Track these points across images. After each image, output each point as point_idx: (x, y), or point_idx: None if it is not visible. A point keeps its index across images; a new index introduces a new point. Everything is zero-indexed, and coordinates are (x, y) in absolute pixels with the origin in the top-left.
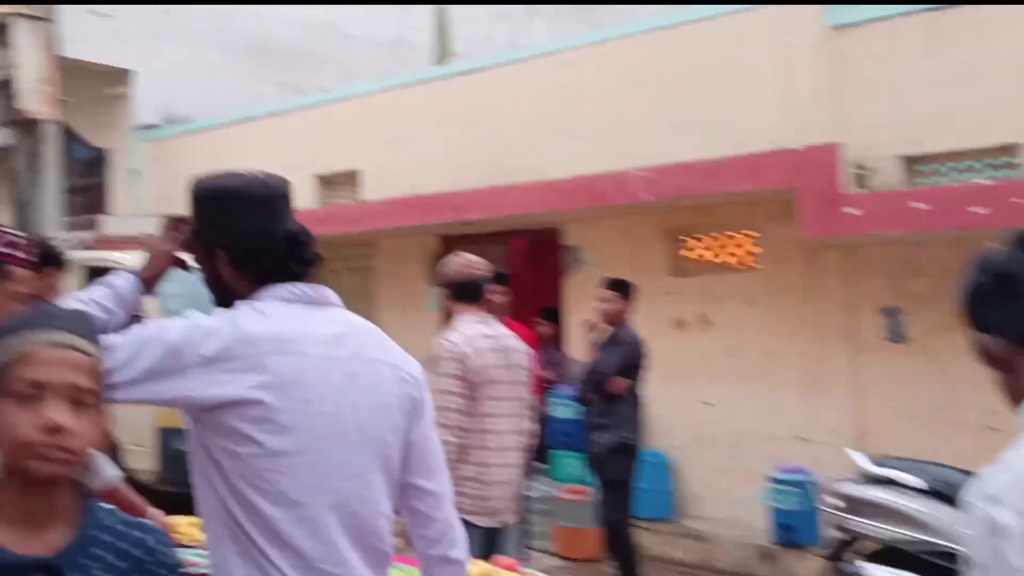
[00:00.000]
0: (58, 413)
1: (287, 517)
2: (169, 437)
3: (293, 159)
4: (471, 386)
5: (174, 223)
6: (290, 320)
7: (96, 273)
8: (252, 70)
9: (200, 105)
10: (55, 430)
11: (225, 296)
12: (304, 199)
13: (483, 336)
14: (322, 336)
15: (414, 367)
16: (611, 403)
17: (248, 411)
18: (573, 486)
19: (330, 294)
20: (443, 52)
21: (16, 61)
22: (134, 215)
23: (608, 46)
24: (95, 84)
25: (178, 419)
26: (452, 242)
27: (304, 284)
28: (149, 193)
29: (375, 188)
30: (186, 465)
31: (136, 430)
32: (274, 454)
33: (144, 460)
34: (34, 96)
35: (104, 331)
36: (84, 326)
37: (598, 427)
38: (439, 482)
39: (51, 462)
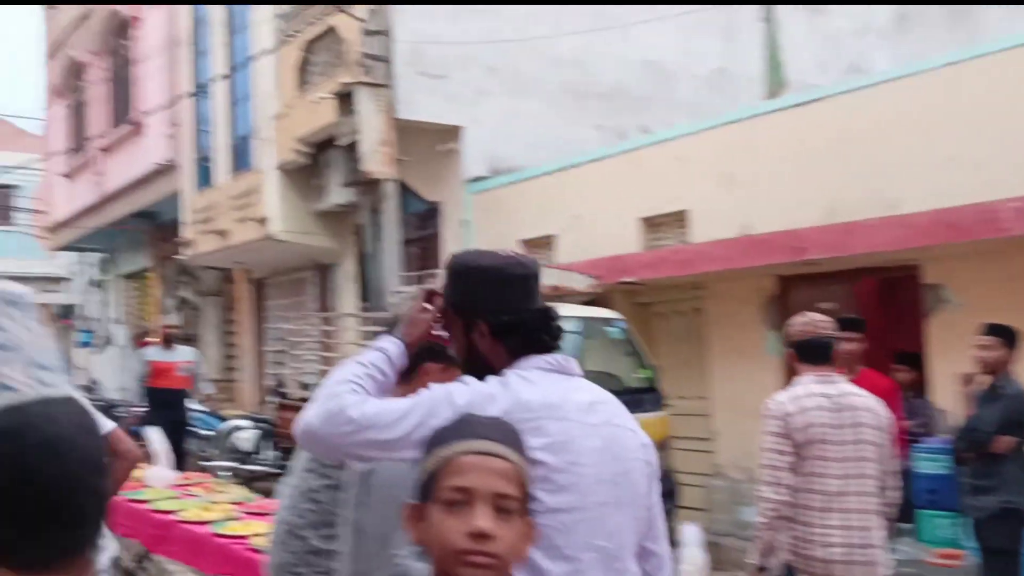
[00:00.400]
0: (484, 519)
1: (560, 571)
2: None
3: (617, 202)
4: (795, 445)
5: (428, 295)
6: (553, 388)
7: None
8: (574, 115)
9: (525, 154)
10: (481, 536)
11: (478, 366)
12: (629, 243)
13: (817, 395)
14: (580, 403)
15: (645, 435)
16: (992, 463)
17: (531, 471)
18: (944, 550)
19: (576, 365)
20: (776, 83)
21: (359, 126)
22: None
23: (961, 67)
24: (428, 142)
25: None
26: (790, 283)
27: (558, 355)
28: (478, 242)
29: (704, 228)
30: None
31: None
32: (551, 511)
33: None
34: (375, 157)
35: (382, 394)
36: (507, 434)
37: (978, 489)
38: (663, 545)
39: (477, 568)
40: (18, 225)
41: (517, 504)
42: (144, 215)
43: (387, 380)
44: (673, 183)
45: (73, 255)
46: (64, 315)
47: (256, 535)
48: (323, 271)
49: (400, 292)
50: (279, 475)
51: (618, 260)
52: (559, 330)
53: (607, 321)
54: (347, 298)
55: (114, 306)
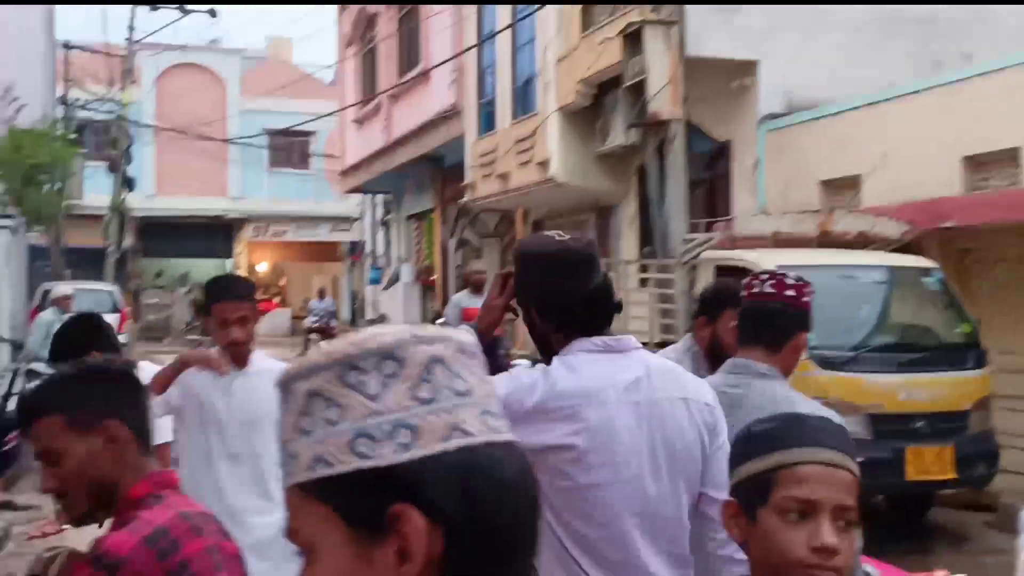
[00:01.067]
0: (830, 535)
1: (597, 535)
2: None
3: (934, 140)
4: None
5: (503, 278)
6: (595, 372)
7: (724, 272)
8: (880, 45)
9: (824, 90)
10: (828, 551)
11: (547, 348)
12: (947, 184)
13: None
14: (621, 383)
15: (706, 395)
16: None
17: (564, 454)
18: None
19: (630, 341)
20: None
21: (646, 66)
22: (761, 214)
23: None
24: (718, 78)
25: None
26: None
27: (606, 336)
28: (770, 183)
29: None
30: None
31: None
32: (586, 487)
33: None
34: (662, 97)
35: None
36: (848, 443)
37: None
38: (726, 493)
39: None
40: (313, 170)
41: (855, 515)
42: (429, 159)
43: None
44: (1003, 118)
45: (361, 197)
46: (353, 251)
47: None
48: (603, 213)
49: (689, 240)
50: None
51: (934, 204)
52: (610, 311)
53: (921, 271)
54: (628, 241)
55: (399, 245)
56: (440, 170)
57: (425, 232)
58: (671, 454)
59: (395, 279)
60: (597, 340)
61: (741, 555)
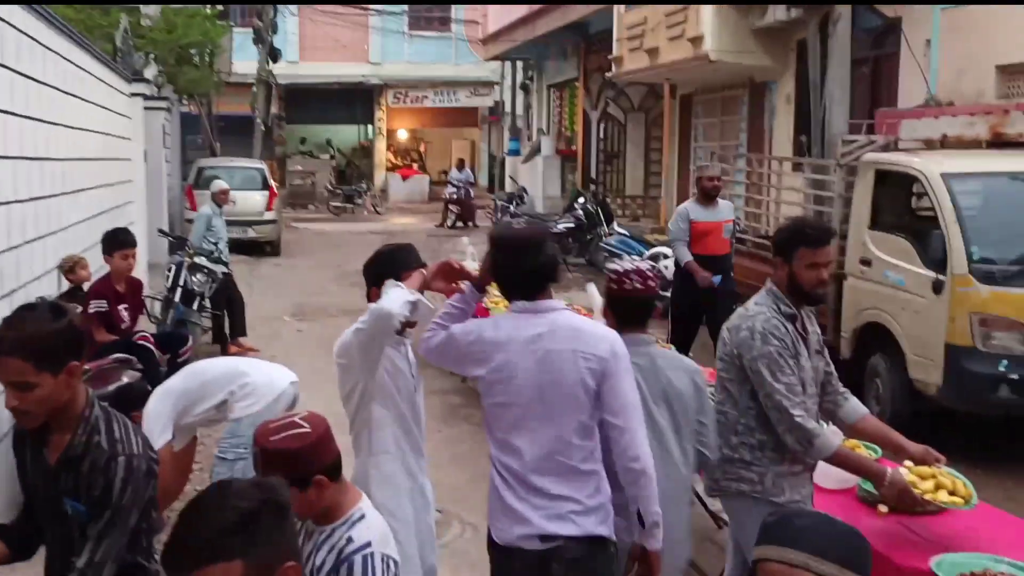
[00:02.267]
0: None
1: (500, 444)
2: (959, 355)
3: None
4: None
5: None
6: (510, 327)
7: (886, 177)
8: None
9: None
10: None
11: (503, 291)
12: None
13: None
14: (525, 338)
15: (600, 347)
16: None
17: (483, 383)
18: None
19: (547, 304)
20: None
21: None
22: (930, 102)
23: None
24: None
25: (970, 338)
26: None
27: (532, 301)
28: (942, 65)
29: None
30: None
31: (925, 344)
32: (492, 407)
33: (929, 373)
34: None
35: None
36: (841, 548)
37: None
38: (622, 418)
39: None
40: (455, 33)
41: None
42: (573, 28)
43: (466, 313)
44: None
45: (501, 63)
46: (492, 114)
47: None
48: (757, 90)
49: (849, 142)
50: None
51: None
52: (543, 284)
53: None
54: (782, 121)
55: (539, 115)
56: (584, 39)
57: (567, 102)
58: (557, 390)
59: (535, 151)
60: (521, 304)
61: (633, 464)
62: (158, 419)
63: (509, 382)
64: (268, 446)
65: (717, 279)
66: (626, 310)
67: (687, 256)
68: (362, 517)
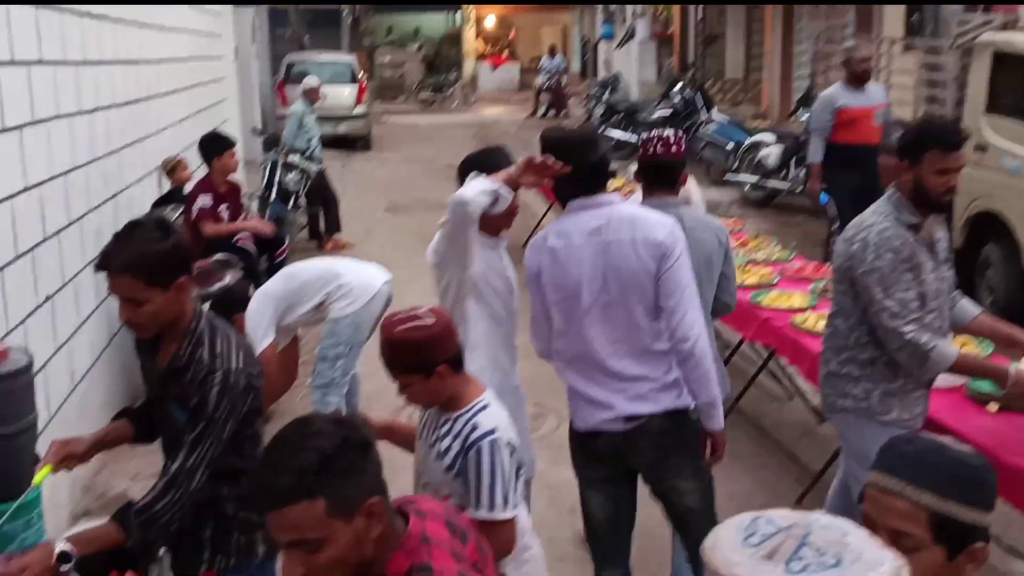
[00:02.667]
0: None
1: (566, 333)
2: None
3: None
4: None
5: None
6: (571, 221)
7: (1004, 60)
8: None
9: None
10: None
11: (559, 198)
12: None
13: None
14: (586, 229)
15: (659, 232)
16: None
17: (542, 276)
18: None
19: (605, 198)
20: None
21: None
22: None
23: None
24: None
25: None
26: None
27: (586, 196)
28: None
29: None
30: None
31: None
32: (566, 299)
33: None
34: None
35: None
36: (941, 478)
37: None
38: (673, 300)
39: None
40: None
41: (913, 544)
42: None
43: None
44: None
45: None
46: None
47: (795, 309)
48: None
49: (967, 21)
50: (801, 194)
51: None
52: (599, 182)
53: None
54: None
55: None
56: None
57: None
58: (619, 278)
59: (630, 35)
60: (578, 201)
61: (686, 346)
62: (260, 322)
63: (576, 275)
64: (393, 336)
65: (825, 199)
66: (653, 174)
67: (816, 155)
68: (486, 406)
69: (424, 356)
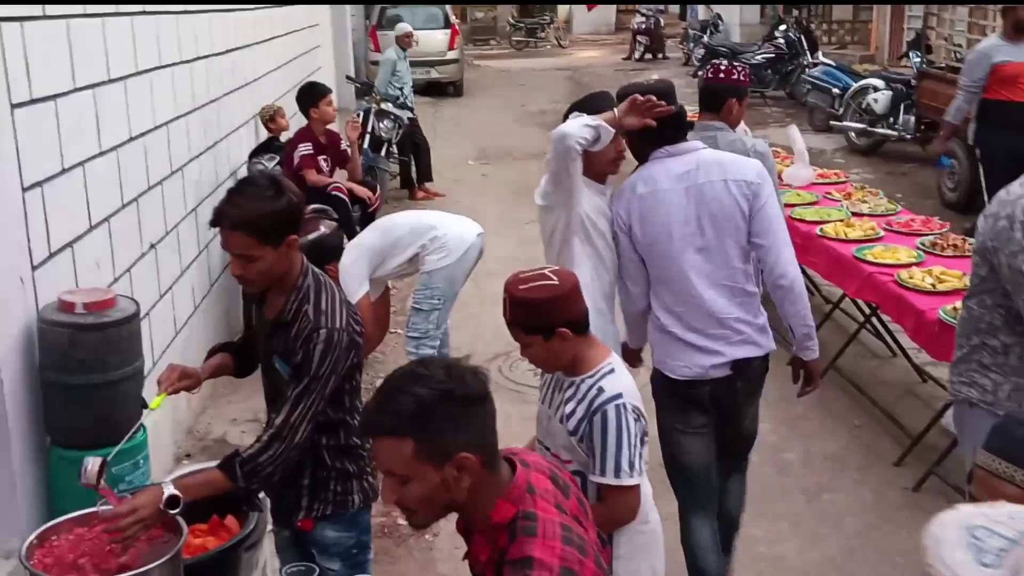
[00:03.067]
0: None
1: (665, 275)
2: None
3: None
4: None
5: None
6: (659, 168)
7: None
8: None
9: None
10: None
11: (642, 156)
12: None
13: None
14: (675, 174)
15: (748, 173)
16: None
17: (634, 221)
18: None
19: (690, 145)
20: None
21: None
22: None
23: None
24: None
25: None
26: None
27: (670, 145)
28: None
29: None
30: None
31: None
32: (647, 244)
33: None
34: None
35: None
36: None
37: None
38: (768, 238)
39: None
40: None
41: None
42: None
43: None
44: None
45: None
46: None
47: (901, 264)
48: None
49: None
50: (911, 142)
51: None
52: (679, 131)
53: None
54: None
55: None
56: None
57: None
58: (713, 219)
59: None
60: (664, 149)
61: (783, 281)
62: (354, 274)
63: (668, 219)
64: (516, 294)
65: (946, 163)
66: (702, 98)
67: (958, 115)
68: (612, 371)
69: (547, 316)
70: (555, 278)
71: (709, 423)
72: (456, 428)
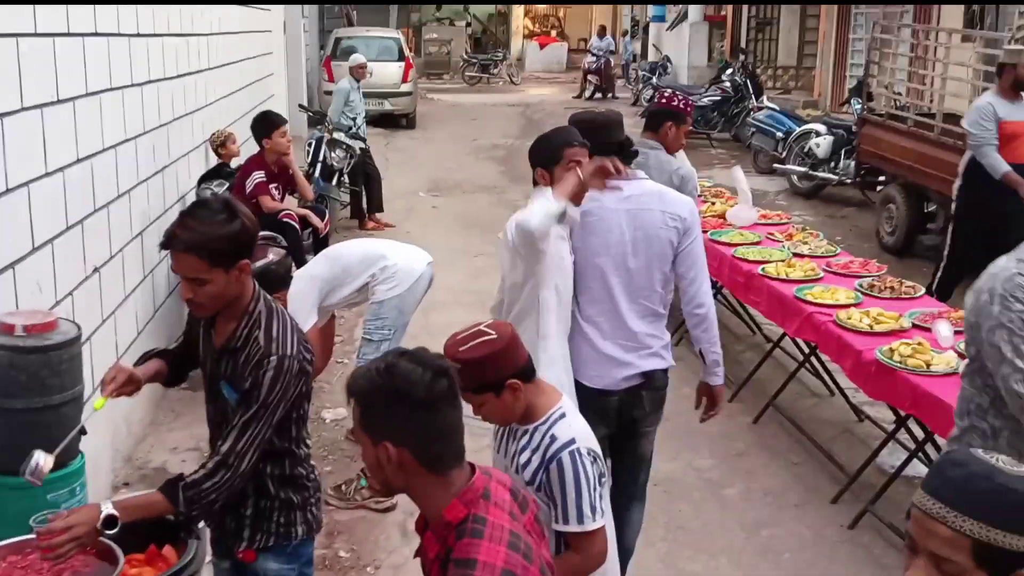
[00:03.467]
0: (913, 573)
1: (592, 289)
2: None
3: None
4: None
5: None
6: (605, 194)
7: None
8: None
9: None
10: None
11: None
12: None
13: None
14: (618, 197)
15: (682, 209)
16: None
17: (582, 242)
18: None
19: (636, 174)
20: None
21: None
22: None
23: None
24: None
25: None
26: None
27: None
28: None
29: None
30: None
31: None
32: (587, 256)
33: None
34: None
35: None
36: (987, 505)
37: None
38: (693, 271)
39: None
40: None
41: (956, 570)
42: None
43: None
44: None
45: None
46: None
47: (840, 304)
48: None
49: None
50: (851, 186)
51: None
52: (627, 153)
53: None
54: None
55: None
56: None
57: None
58: (647, 244)
59: (682, 17)
60: None
61: (699, 311)
62: (303, 303)
63: (607, 237)
64: (458, 356)
65: None
66: (645, 119)
67: (1003, 165)
68: (563, 415)
69: (494, 372)
70: (493, 332)
71: (614, 435)
72: (388, 420)
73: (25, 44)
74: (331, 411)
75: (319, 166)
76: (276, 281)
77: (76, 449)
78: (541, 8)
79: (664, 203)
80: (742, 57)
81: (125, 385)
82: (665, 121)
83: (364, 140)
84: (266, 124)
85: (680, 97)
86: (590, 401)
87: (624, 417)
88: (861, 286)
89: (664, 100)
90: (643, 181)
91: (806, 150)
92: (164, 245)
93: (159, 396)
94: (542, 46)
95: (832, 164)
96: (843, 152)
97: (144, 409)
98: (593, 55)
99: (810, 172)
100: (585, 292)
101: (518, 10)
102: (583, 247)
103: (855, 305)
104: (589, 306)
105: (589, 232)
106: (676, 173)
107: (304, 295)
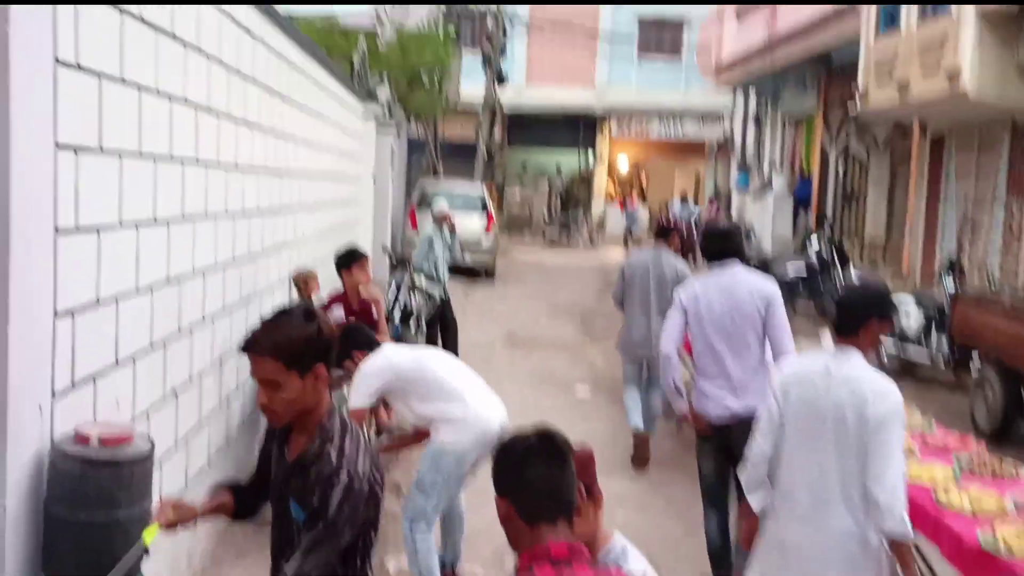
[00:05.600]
0: None
1: (705, 352)
2: None
3: None
4: None
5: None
6: (710, 278)
7: None
8: None
9: None
10: None
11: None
12: None
13: None
14: (717, 283)
15: (764, 289)
16: None
17: (695, 318)
18: None
19: (730, 263)
20: None
21: None
22: None
23: None
24: None
25: None
26: None
27: (718, 265)
28: None
29: None
30: None
31: None
32: (698, 326)
33: None
34: None
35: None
36: None
37: None
38: (777, 337)
39: None
40: (684, 59)
41: None
42: (816, 58)
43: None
44: None
45: (732, 90)
46: (720, 147)
47: (934, 481)
48: (1020, 134)
49: None
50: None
51: None
52: (727, 254)
53: None
54: None
55: (771, 148)
56: (826, 69)
57: (803, 137)
58: (740, 313)
59: (764, 186)
60: (711, 268)
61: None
62: (368, 382)
63: (708, 308)
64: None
65: None
66: (656, 232)
67: None
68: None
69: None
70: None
71: (718, 448)
72: (510, 473)
73: (129, 163)
74: (393, 561)
75: (399, 311)
76: (363, 342)
77: (137, 570)
78: (624, 173)
79: (752, 285)
80: (828, 229)
81: (175, 512)
82: (672, 234)
83: (444, 287)
84: (349, 256)
85: (684, 226)
86: (701, 425)
87: (724, 439)
88: (959, 462)
89: (672, 224)
90: (738, 268)
91: (896, 329)
92: (244, 348)
93: (223, 530)
94: (623, 209)
95: (923, 340)
96: (934, 328)
97: (209, 542)
98: (674, 219)
99: (900, 345)
100: (701, 354)
101: (601, 172)
102: (697, 319)
103: (953, 483)
104: (705, 360)
105: (701, 308)
106: (674, 269)
107: (375, 374)
